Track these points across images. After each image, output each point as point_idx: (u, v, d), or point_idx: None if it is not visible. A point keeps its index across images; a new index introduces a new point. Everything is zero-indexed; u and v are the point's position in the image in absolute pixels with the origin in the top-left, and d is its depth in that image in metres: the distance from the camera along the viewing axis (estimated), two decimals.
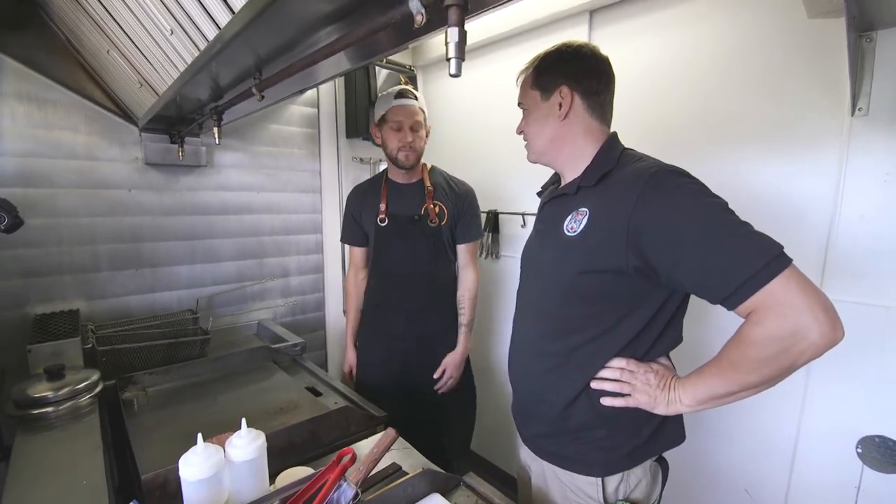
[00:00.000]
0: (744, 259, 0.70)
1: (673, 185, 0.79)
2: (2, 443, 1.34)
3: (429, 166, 1.71)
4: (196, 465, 0.77)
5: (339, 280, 2.39)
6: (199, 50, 0.86)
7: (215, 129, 1.24)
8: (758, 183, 1.40)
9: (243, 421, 0.86)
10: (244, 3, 0.64)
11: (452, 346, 1.73)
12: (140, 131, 1.74)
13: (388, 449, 0.92)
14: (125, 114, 1.70)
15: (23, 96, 1.52)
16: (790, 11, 1.28)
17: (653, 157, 0.90)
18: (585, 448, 0.93)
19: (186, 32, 0.85)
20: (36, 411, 1.16)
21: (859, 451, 1.23)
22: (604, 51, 0.96)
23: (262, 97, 0.95)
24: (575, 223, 0.90)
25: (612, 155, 0.92)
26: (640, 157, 0.91)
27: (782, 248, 0.71)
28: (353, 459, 0.94)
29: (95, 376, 1.29)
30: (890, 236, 1.17)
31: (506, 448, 2.27)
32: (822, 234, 1.29)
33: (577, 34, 1.80)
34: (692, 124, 1.53)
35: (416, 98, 1.61)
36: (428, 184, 1.65)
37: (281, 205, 2.18)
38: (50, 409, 1.18)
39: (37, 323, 1.49)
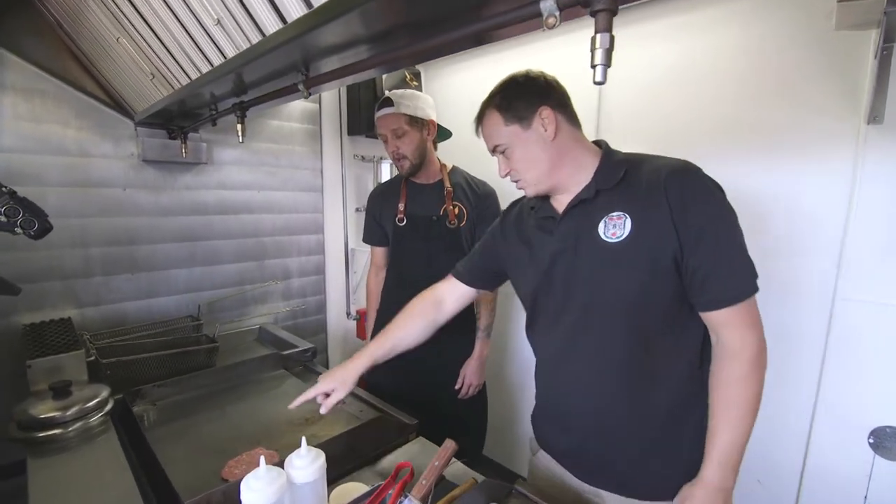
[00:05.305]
0: (750, 268, 0.82)
1: (706, 178, 0.85)
2: None
3: (449, 166, 1.67)
4: (259, 490, 0.72)
5: (341, 282, 2.32)
6: (249, 42, 0.80)
7: (239, 127, 1.17)
8: (774, 185, 1.45)
9: (303, 440, 0.81)
10: None
11: (468, 350, 1.71)
12: (136, 126, 1.62)
13: (449, 461, 0.90)
14: (119, 107, 1.57)
15: (7, 86, 1.38)
16: (811, 21, 1.33)
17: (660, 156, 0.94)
18: (668, 472, 0.92)
19: (238, 23, 0.78)
20: (42, 434, 1.06)
21: (871, 441, 1.30)
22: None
23: (309, 94, 0.89)
24: (617, 229, 0.87)
25: (619, 156, 0.93)
26: (649, 156, 0.93)
27: None
28: (412, 474, 0.92)
29: (105, 392, 1.19)
30: None
31: (513, 448, 2.28)
32: (836, 236, 1.35)
33: (588, 35, 1.80)
34: (709, 128, 1.57)
35: (393, 104, 1.52)
36: (447, 184, 1.62)
37: (282, 204, 2.09)
38: (58, 430, 1.08)
39: (28, 334, 1.36)
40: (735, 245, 0.82)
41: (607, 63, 0.45)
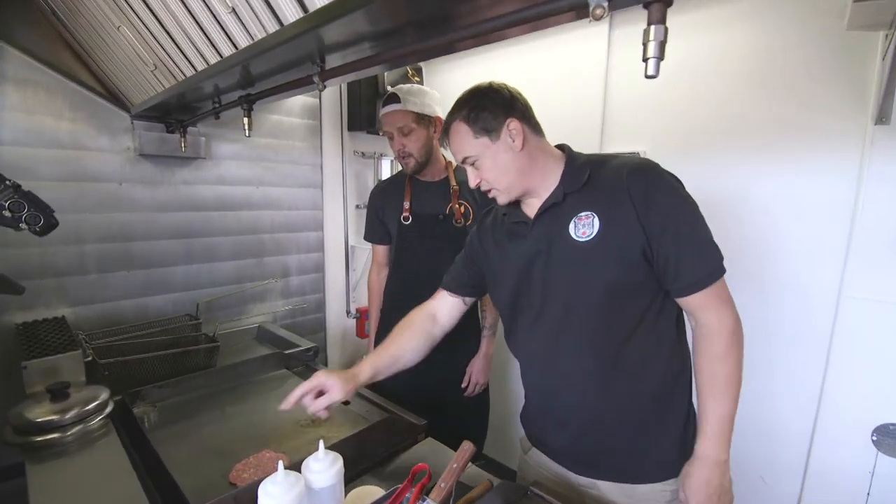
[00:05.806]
0: (716, 252, 0.86)
1: (665, 174, 0.89)
2: None
3: (454, 164, 1.65)
4: (277, 496, 0.70)
5: (340, 280, 2.29)
6: (265, 31, 0.77)
7: (245, 120, 1.13)
8: (781, 184, 1.46)
9: (321, 443, 0.79)
10: None
11: (473, 349, 1.69)
12: (132, 119, 1.57)
13: (468, 463, 0.88)
14: (116, 99, 1.52)
15: None
16: (819, 21, 1.34)
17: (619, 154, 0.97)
18: (663, 452, 0.94)
19: (254, 11, 0.75)
20: (40, 438, 1.02)
21: (874, 438, 1.32)
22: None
23: (324, 87, 0.87)
24: (586, 228, 0.91)
25: (582, 159, 0.97)
26: (609, 155, 0.98)
27: None
28: (430, 476, 0.90)
29: (104, 394, 1.15)
30: None
31: (512, 447, 2.27)
32: (842, 234, 1.36)
33: (595, 33, 1.80)
34: (714, 126, 1.57)
35: (399, 101, 1.49)
36: (453, 182, 1.60)
37: (281, 200, 2.05)
38: (57, 434, 1.04)
39: (22, 333, 1.31)
40: (699, 232, 0.87)
41: (661, 56, 0.44)
